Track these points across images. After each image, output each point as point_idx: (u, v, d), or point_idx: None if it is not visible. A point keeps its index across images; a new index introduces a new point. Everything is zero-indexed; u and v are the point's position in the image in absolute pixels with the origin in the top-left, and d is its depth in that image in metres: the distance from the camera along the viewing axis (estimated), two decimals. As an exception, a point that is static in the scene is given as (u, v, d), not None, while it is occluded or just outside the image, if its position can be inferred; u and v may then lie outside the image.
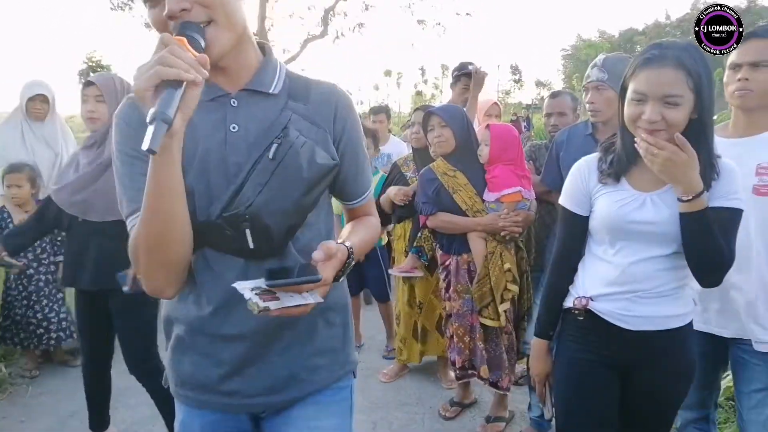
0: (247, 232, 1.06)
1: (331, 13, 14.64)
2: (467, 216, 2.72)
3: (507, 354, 2.78)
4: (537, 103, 49.62)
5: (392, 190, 3.32)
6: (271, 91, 1.13)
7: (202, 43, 0.97)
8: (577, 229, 1.67)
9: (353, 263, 1.13)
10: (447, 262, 2.86)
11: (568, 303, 1.66)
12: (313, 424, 1.23)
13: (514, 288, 2.70)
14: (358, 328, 4.03)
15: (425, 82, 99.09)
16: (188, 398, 1.23)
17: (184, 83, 0.88)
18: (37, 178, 3.53)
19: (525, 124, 16.31)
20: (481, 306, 2.72)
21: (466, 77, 3.63)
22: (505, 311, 2.68)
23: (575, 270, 1.69)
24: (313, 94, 1.17)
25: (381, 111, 5.36)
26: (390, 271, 3.49)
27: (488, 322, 2.72)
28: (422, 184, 2.85)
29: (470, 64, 3.71)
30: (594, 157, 1.66)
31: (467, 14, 15.71)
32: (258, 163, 1.06)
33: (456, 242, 2.81)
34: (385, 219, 3.48)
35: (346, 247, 1.09)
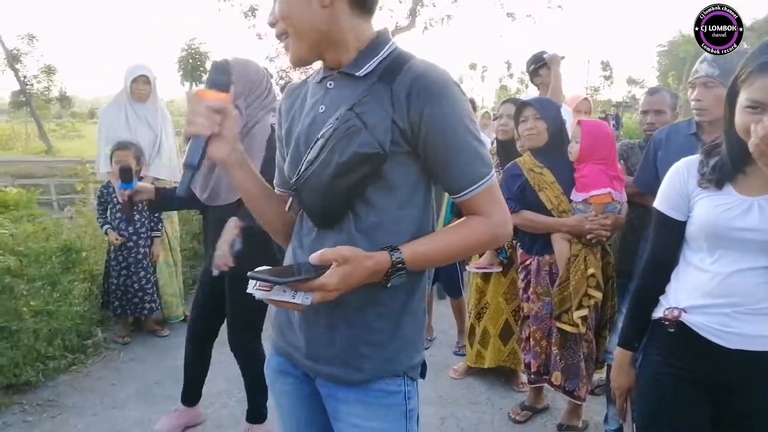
0: (291, 201, 1.30)
1: (420, 4, 14.58)
2: (552, 215, 2.64)
3: (585, 362, 2.68)
4: (627, 101, 47.33)
5: None
6: (357, 74, 1.16)
7: (230, 79, 1.21)
8: (672, 234, 1.57)
9: (403, 272, 1.13)
10: (528, 262, 2.79)
11: (658, 313, 1.56)
12: (356, 422, 1.25)
13: (597, 294, 2.59)
14: (429, 321, 4.01)
15: (510, 76, 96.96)
16: (272, 339, 1.40)
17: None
18: (141, 156, 3.76)
19: (614, 122, 15.58)
20: (560, 311, 2.63)
21: (545, 69, 3.59)
22: (582, 317, 2.58)
23: (668, 278, 1.59)
24: (400, 76, 1.13)
25: (466, 104, 5.29)
26: (467, 267, 3.44)
27: (567, 328, 2.63)
28: (506, 180, 2.79)
29: (544, 53, 3.65)
30: (695, 159, 1.55)
31: (559, 7, 15.02)
32: (317, 141, 1.15)
33: (539, 242, 2.73)
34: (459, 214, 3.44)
35: (389, 254, 1.12)
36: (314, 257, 1.07)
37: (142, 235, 3.79)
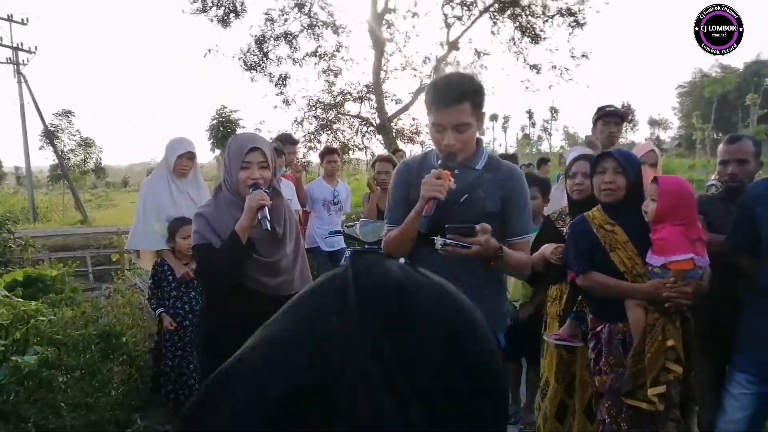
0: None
1: (444, 62, 14.74)
2: (624, 279, 2.41)
3: (672, 445, 2.38)
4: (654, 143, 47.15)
5: (548, 248, 2.94)
6: (475, 167, 2.13)
7: (455, 170, 2.03)
8: None
9: (501, 258, 1.99)
10: (599, 329, 2.53)
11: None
12: None
13: (677, 369, 2.30)
14: (517, 393, 3.83)
15: (533, 125, 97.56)
16: None
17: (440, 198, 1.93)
18: None
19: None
20: (634, 385, 2.36)
21: (615, 117, 3.69)
22: (658, 395, 2.30)
23: None
24: (500, 170, 2.14)
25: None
26: (545, 337, 3.15)
27: (643, 405, 2.34)
28: (574, 236, 2.57)
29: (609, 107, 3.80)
30: None
31: (583, 56, 14.88)
32: (456, 204, 2.05)
33: (609, 308, 2.48)
34: (536, 277, 3.23)
35: (499, 244, 1.97)
36: (480, 226, 1.91)
37: (197, 314, 3.60)
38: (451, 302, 0.55)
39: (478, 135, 2.14)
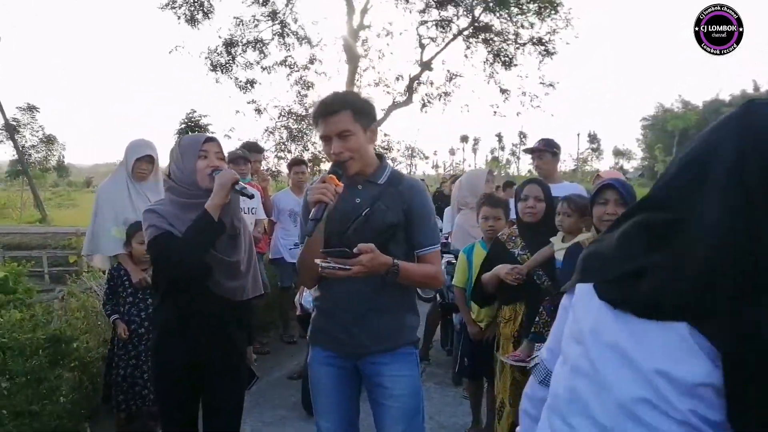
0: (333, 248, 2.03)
1: (417, 81, 14.88)
2: None
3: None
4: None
5: (503, 269, 2.97)
6: (378, 182, 2.15)
7: (341, 173, 2.02)
8: None
9: (397, 273, 2.00)
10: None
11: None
12: (392, 372, 2.15)
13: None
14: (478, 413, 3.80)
15: (502, 148, 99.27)
16: (316, 339, 2.25)
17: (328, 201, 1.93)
18: None
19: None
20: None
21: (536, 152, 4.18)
22: None
23: None
24: (401, 184, 2.16)
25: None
26: (502, 358, 3.14)
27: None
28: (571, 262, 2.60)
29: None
30: None
31: (550, 85, 15.16)
32: (358, 219, 2.08)
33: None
34: (489, 299, 3.24)
35: (392, 260, 1.99)
36: (358, 247, 1.89)
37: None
38: None
39: (379, 151, 2.26)
